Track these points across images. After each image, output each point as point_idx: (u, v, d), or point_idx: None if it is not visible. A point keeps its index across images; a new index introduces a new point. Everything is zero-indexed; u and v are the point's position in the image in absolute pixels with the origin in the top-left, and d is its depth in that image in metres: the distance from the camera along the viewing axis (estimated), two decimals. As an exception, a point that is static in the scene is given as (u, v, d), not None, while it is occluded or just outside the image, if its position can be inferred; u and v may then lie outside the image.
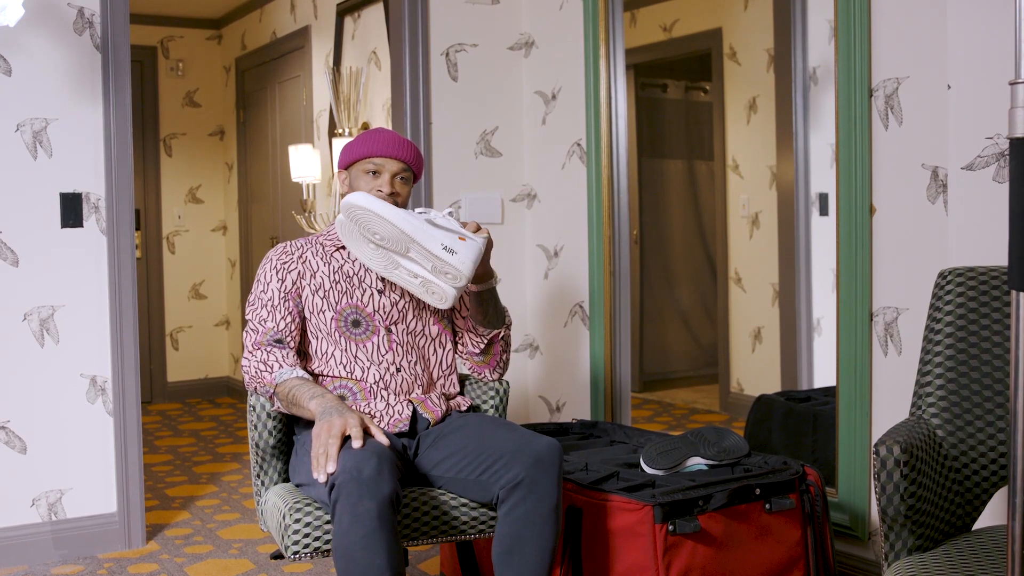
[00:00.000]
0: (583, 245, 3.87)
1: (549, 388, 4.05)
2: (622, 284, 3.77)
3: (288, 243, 2.56)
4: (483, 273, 2.47)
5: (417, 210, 2.35)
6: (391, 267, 2.33)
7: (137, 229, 6.40)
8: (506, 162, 4.05)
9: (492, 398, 2.69)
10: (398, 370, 2.49)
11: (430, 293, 2.32)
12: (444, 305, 2.34)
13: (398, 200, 2.49)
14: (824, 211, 3.82)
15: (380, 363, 2.48)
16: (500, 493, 2.25)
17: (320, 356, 2.49)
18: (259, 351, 2.40)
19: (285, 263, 2.50)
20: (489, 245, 2.40)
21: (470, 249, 2.31)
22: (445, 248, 2.28)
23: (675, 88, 5.86)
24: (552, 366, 4.04)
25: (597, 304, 3.80)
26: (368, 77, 4.90)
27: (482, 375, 2.68)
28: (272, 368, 2.37)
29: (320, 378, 2.49)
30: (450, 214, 2.35)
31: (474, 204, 3.97)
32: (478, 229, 2.37)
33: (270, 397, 2.40)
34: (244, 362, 2.42)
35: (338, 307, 2.50)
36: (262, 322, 2.43)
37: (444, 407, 2.52)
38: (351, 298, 2.51)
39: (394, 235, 2.28)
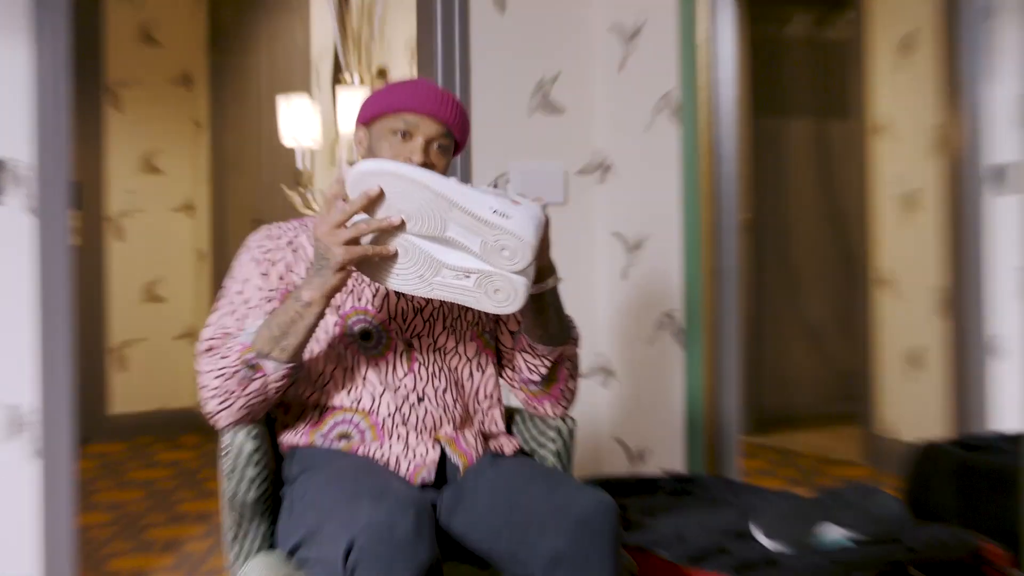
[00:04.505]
0: (674, 234, 3.90)
1: (628, 428, 4.07)
2: (728, 287, 3.80)
3: (274, 225, 2.61)
4: (541, 267, 2.44)
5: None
6: (429, 272, 2.33)
7: (75, 208, 6.44)
8: (570, 121, 4.06)
9: (552, 441, 2.71)
10: (420, 399, 2.52)
11: (492, 292, 2.31)
12: (513, 306, 2.33)
13: None
14: (1007, 188, 3.86)
15: (397, 389, 2.51)
16: (537, 574, 2.26)
17: (315, 379, 2.53)
18: (212, 353, 2.44)
19: (269, 251, 2.55)
20: (547, 225, 2.38)
21: (527, 215, 2.30)
22: (496, 212, 2.27)
23: (801, 22, 5.87)
24: (632, 398, 4.05)
25: (694, 314, 3.80)
26: (385, 8, 4.88)
27: (540, 409, 2.71)
28: (235, 346, 2.41)
29: (315, 410, 2.53)
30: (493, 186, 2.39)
31: (528, 178, 3.98)
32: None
33: (255, 368, 2.40)
34: (200, 380, 2.44)
35: (342, 311, 2.53)
36: (224, 334, 2.47)
37: (481, 449, 2.55)
38: (360, 300, 2.54)
39: (425, 204, 2.27)
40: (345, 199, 2.28)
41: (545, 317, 2.54)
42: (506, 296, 2.31)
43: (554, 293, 2.53)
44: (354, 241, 2.27)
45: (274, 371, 2.39)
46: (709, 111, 3.81)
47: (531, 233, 2.26)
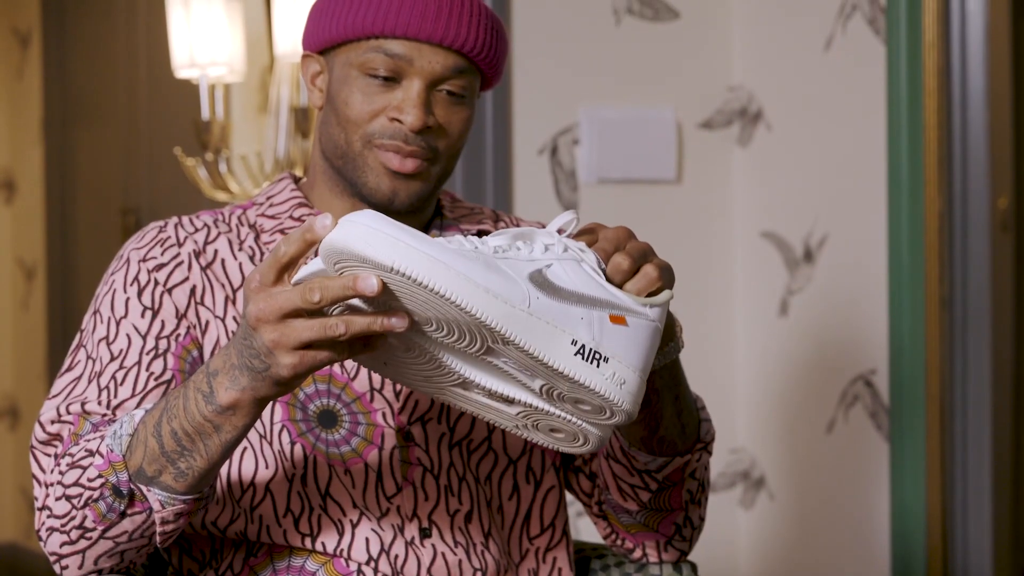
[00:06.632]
0: (875, 235, 3.43)
1: (793, 578, 3.60)
2: (973, 330, 3.31)
3: (168, 223, 2.31)
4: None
5: (494, 237, 1.88)
6: (446, 380, 1.99)
7: None
8: (689, 34, 3.69)
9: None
10: (425, 534, 2.18)
11: (546, 430, 1.97)
12: (581, 449, 2.04)
13: (439, 147, 2.19)
14: None
15: (383, 514, 2.20)
16: None
17: (238, 496, 2.20)
18: (57, 450, 2.14)
19: (159, 268, 2.26)
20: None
21: (637, 342, 1.88)
22: (580, 352, 1.84)
23: None
24: (795, 528, 3.69)
25: (910, 379, 3.32)
26: None
27: (637, 552, 2.39)
28: (97, 452, 2.07)
29: (239, 552, 2.18)
30: (564, 226, 1.96)
31: (612, 133, 3.60)
32: (642, 265, 1.89)
33: (129, 500, 2.03)
34: (36, 493, 2.13)
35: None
36: (79, 415, 2.12)
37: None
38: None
39: (458, 322, 1.85)
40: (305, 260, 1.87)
41: (655, 410, 2.14)
42: (570, 438, 1.97)
43: (672, 371, 2.13)
44: (313, 341, 1.82)
45: (164, 507, 2.00)
46: (941, 16, 3.28)
47: (634, 388, 1.85)
